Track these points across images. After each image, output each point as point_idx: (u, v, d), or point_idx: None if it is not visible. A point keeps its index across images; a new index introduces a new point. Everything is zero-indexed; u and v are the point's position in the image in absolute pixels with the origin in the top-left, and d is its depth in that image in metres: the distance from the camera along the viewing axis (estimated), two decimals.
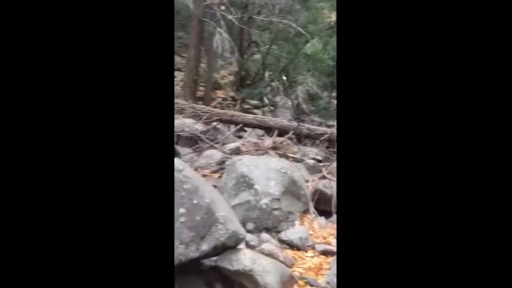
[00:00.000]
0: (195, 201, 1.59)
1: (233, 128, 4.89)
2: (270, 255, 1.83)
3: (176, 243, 1.49)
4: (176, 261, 1.47)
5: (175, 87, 7.58)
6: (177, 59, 8.92)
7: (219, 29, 5.84)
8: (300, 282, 1.76)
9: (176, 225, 1.52)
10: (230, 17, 5.84)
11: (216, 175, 3.31)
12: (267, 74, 8.03)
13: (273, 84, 7.87)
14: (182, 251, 1.49)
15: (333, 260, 1.93)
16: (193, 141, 4.39)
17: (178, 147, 4.08)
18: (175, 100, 5.45)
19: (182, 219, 1.54)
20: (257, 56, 8.16)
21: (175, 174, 1.62)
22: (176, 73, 8.37)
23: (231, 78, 8.40)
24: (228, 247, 1.64)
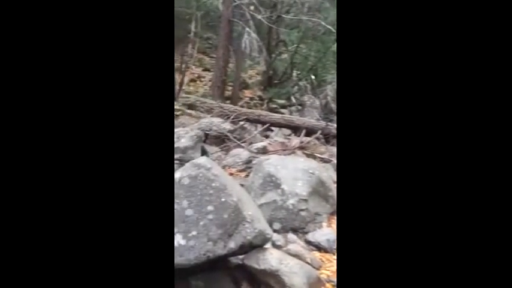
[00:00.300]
0: (223, 199, 1.60)
1: (260, 128, 4.91)
2: (296, 256, 1.81)
3: (204, 239, 1.52)
4: (204, 257, 1.50)
5: (205, 87, 7.76)
6: (205, 59, 9.13)
7: (247, 28, 5.88)
8: (328, 285, 1.72)
9: (204, 222, 1.55)
10: (259, 16, 5.86)
11: (243, 174, 3.34)
12: (294, 73, 7.96)
13: (300, 83, 7.79)
14: (210, 248, 1.51)
15: None
16: (220, 140, 4.47)
17: (206, 146, 4.16)
18: (204, 99, 5.58)
19: (210, 216, 1.56)
20: (285, 55, 8.11)
21: (204, 172, 1.65)
22: (205, 73, 8.57)
23: (259, 77, 8.43)
24: (254, 246, 1.64)
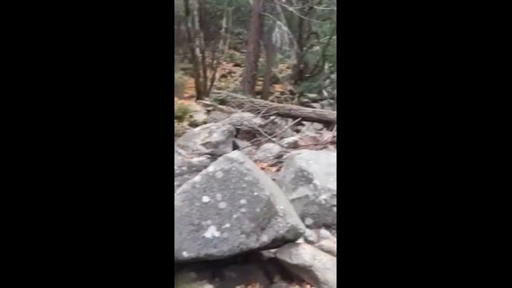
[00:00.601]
0: (255, 193, 1.62)
1: (291, 122, 4.86)
2: (329, 252, 1.78)
3: (237, 232, 1.54)
4: (237, 249, 1.53)
5: (235, 82, 7.83)
6: (236, 54, 9.19)
7: (278, 22, 5.82)
8: None
9: (237, 215, 1.57)
10: (291, 8, 5.77)
11: (274, 169, 3.34)
12: (326, 65, 7.77)
13: (332, 76, 7.58)
14: (243, 240, 1.54)
15: None
16: (251, 134, 4.50)
17: (237, 141, 4.22)
18: (235, 95, 5.63)
19: (243, 209, 1.58)
20: (317, 48, 7.93)
21: (237, 166, 1.67)
22: (235, 68, 8.64)
23: (289, 71, 8.33)
24: (287, 240, 1.64)
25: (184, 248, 1.51)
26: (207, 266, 1.59)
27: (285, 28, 5.91)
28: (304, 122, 5.06)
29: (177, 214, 1.57)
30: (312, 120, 4.93)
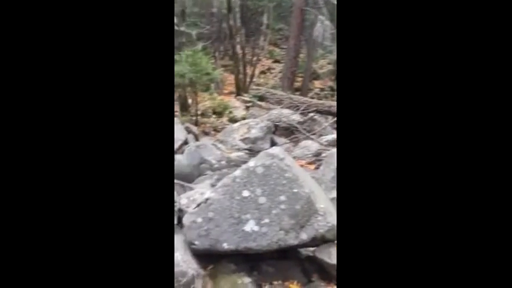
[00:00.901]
0: (295, 190, 1.61)
1: (331, 119, 4.73)
2: None
3: (276, 228, 1.55)
4: (276, 245, 1.54)
5: (275, 79, 7.81)
6: (276, 50, 9.15)
7: (320, 16, 5.67)
8: None
9: (276, 211, 1.58)
10: (335, 1, 5.58)
11: (312, 166, 3.28)
12: None
13: None
14: (282, 237, 1.54)
15: None
16: (290, 131, 4.46)
17: (275, 137, 4.21)
18: (274, 91, 5.62)
19: (282, 206, 1.58)
20: None
21: (278, 162, 1.67)
22: (275, 65, 8.61)
23: (330, 67, 8.09)
24: (327, 240, 1.61)
25: (224, 240, 1.55)
26: (246, 259, 1.62)
27: (327, 22, 5.74)
28: None
29: (217, 207, 1.62)
30: None
